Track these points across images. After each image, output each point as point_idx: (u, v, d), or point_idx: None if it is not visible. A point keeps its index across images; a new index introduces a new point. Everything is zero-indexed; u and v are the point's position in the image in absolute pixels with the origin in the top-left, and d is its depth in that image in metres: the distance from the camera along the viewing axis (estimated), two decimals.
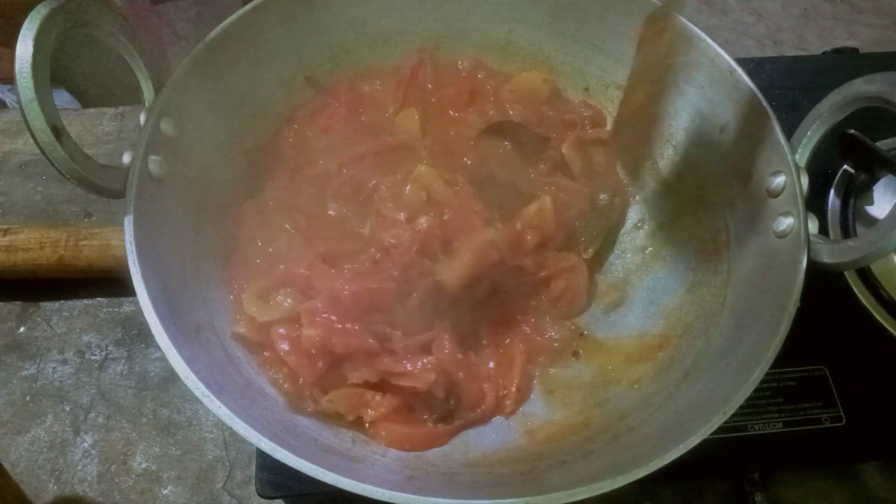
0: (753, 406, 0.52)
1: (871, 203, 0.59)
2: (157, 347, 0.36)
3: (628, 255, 0.55)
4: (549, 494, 0.33)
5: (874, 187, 0.59)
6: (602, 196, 0.54)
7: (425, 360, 0.46)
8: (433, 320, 0.47)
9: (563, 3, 0.54)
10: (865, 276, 0.55)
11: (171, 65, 1.14)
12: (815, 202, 0.44)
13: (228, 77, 0.49)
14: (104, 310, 0.60)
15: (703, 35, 0.49)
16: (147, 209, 0.42)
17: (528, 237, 0.50)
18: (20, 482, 0.52)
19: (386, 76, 0.57)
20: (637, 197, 0.56)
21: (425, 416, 0.47)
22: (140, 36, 0.45)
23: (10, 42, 0.36)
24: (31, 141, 0.37)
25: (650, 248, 0.55)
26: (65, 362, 0.57)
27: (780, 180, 0.44)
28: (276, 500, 0.49)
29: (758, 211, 0.46)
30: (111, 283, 0.58)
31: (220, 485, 0.53)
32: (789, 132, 0.45)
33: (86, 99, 0.94)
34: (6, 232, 0.57)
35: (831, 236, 0.57)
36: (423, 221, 0.49)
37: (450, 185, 0.51)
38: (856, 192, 0.59)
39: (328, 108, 0.56)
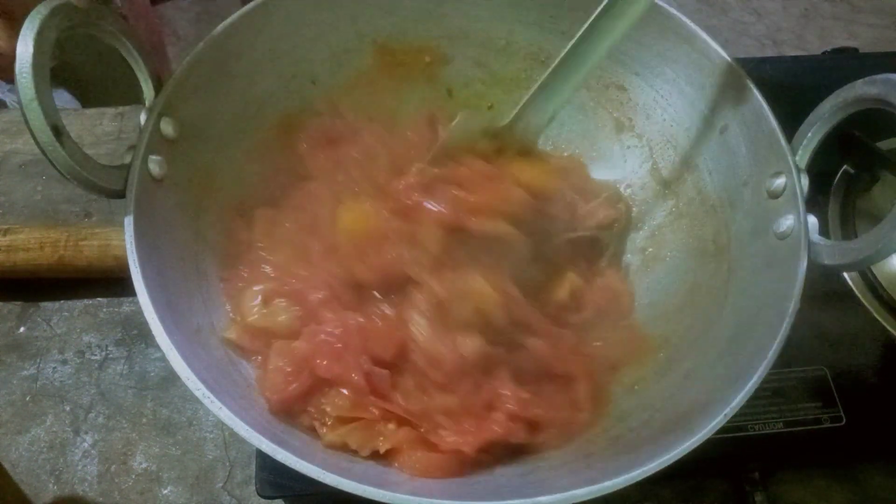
0: (753, 406, 0.52)
1: (872, 203, 0.59)
2: (157, 347, 0.36)
3: (628, 256, 0.55)
4: (553, 496, 0.33)
5: (874, 187, 0.59)
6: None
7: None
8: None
9: (565, 5, 0.54)
10: (865, 275, 0.55)
11: (171, 65, 1.14)
12: (815, 202, 0.44)
13: (229, 77, 0.49)
14: (104, 310, 0.60)
15: (703, 35, 0.48)
16: (147, 209, 0.42)
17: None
18: (20, 482, 0.52)
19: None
20: (637, 198, 0.56)
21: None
22: (140, 36, 0.45)
23: (13, 41, 0.36)
24: (31, 141, 0.37)
25: (650, 250, 0.55)
26: (65, 362, 0.57)
27: (780, 181, 0.44)
28: (276, 500, 0.49)
29: (758, 212, 0.46)
30: (111, 283, 0.58)
31: (220, 485, 0.53)
32: (789, 132, 0.45)
33: (86, 99, 0.94)
34: (6, 232, 0.57)
35: (832, 237, 0.57)
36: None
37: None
38: (856, 192, 0.59)
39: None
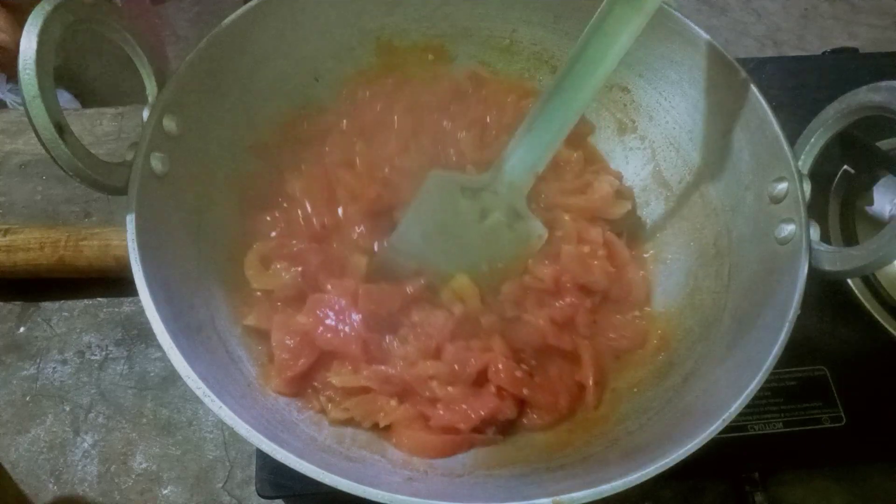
0: (753, 406, 0.51)
1: (872, 203, 0.59)
2: (158, 347, 0.36)
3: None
4: (552, 498, 0.33)
5: (874, 187, 0.59)
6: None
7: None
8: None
9: (568, 5, 0.54)
10: (866, 276, 0.55)
11: (171, 65, 1.14)
12: (815, 202, 0.44)
13: (231, 74, 0.49)
14: (104, 310, 0.59)
15: (707, 38, 0.48)
16: (149, 207, 0.42)
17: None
18: (20, 482, 0.52)
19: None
20: (639, 200, 0.56)
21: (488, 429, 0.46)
22: (142, 33, 0.45)
23: (17, 34, 0.36)
24: (32, 141, 0.37)
25: (651, 252, 0.54)
26: (65, 362, 0.57)
27: (782, 186, 0.44)
28: (276, 500, 0.49)
29: (759, 217, 0.46)
30: (111, 283, 0.58)
31: (220, 485, 0.53)
32: (789, 132, 0.45)
33: (86, 99, 0.94)
34: (6, 232, 0.57)
35: (832, 238, 0.57)
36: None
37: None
38: (856, 193, 0.59)
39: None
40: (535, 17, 0.56)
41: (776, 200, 0.44)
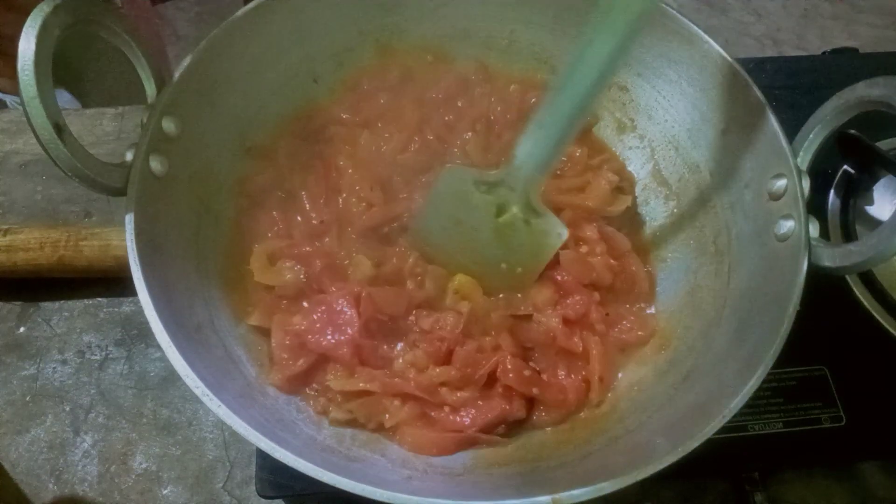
0: (753, 406, 0.52)
1: (871, 203, 0.59)
2: (157, 347, 0.36)
3: None
4: (552, 496, 0.33)
5: (874, 187, 0.59)
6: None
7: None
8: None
9: (566, 5, 0.54)
10: (866, 275, 0.55)
11: (171, 65, 1.14)
12: (815, 202, 0.44)
13: (230, 76, 0.49)
14: (104, 310, 0.59)
15: (705, 37, 0.48)
16: (148, 207, 0.42)
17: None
18: (20, 482, 0.52)
19: None
20: (638, 199, 0.56)
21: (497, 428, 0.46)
22: (142, 34, 0.45)
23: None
24: (32, 141, 0.37)
25: (651, 251, 0.54)
26: (65, 362, 0.57)
27: (781, 183, 0.44)
28: (276, 500, 0.49)
29: (759, 214, 0.46)
30: (111, 283, 0.58)
31: (220, 485, 0.53)
32: (789, 132, 0.45)
33: (86, 99, 0.94)
34: (6, 232, 0.57)
35: (832, 237, 0.57)
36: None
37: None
38: (856, 193, 0.59)
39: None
40: (533, 18, 0.56)
41: (775, 197, 0.44)
